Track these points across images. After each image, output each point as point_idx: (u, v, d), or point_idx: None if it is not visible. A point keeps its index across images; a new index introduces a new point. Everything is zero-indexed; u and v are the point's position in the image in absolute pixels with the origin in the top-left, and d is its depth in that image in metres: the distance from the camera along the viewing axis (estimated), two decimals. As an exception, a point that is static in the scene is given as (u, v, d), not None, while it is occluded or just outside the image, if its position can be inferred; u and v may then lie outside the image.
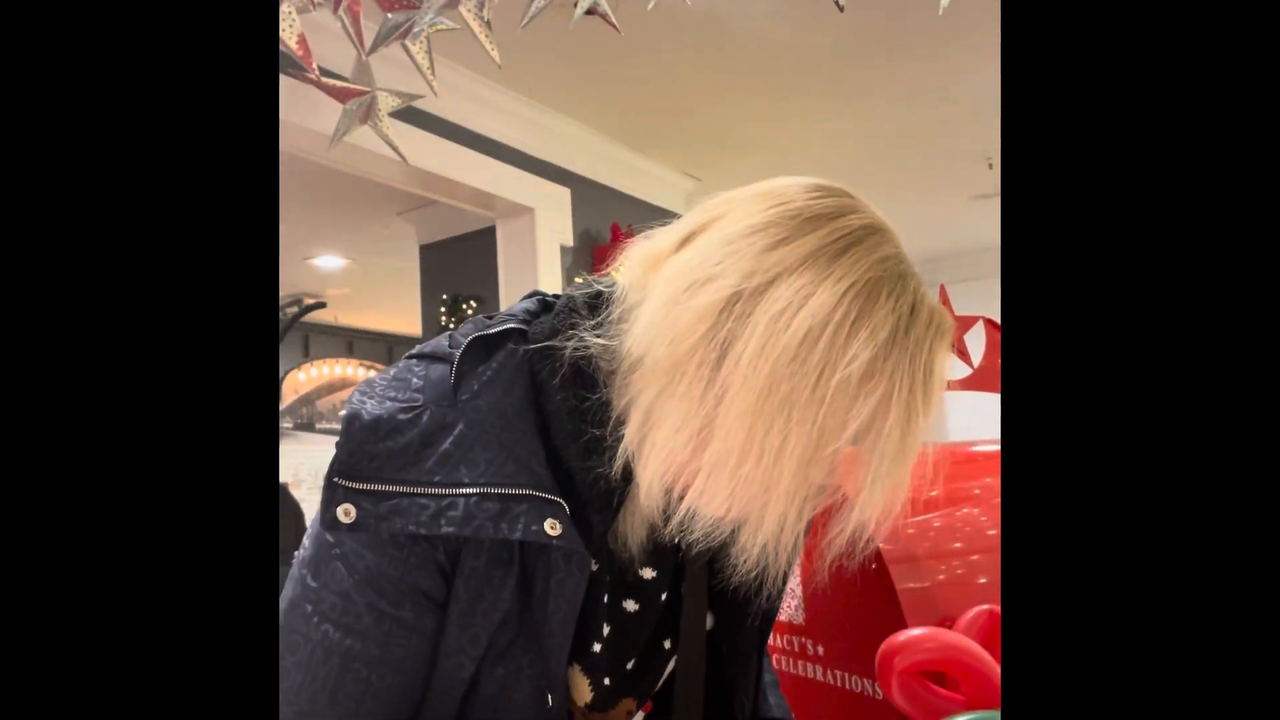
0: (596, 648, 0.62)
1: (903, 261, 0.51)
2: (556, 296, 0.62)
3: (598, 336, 0.55)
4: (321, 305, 5.18)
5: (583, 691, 0.63)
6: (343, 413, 0.54)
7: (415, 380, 0.56)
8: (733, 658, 0.69)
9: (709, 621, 0.68)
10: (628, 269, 0.56)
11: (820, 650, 1.28)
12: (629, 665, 0.64)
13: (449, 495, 0.52)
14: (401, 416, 0.53)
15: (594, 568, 0.58)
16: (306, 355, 5.84)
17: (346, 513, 0.51)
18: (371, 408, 0.53)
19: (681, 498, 0.52)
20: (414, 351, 0.59)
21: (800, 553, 0.69)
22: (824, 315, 0.47)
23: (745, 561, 0.52)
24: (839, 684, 1.25)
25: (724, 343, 0.48)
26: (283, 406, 5.53)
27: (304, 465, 5.54)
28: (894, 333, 0.48)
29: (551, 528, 0.52)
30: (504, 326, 0.59)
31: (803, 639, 1.30)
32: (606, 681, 0.63)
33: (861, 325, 0.48)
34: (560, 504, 0.54)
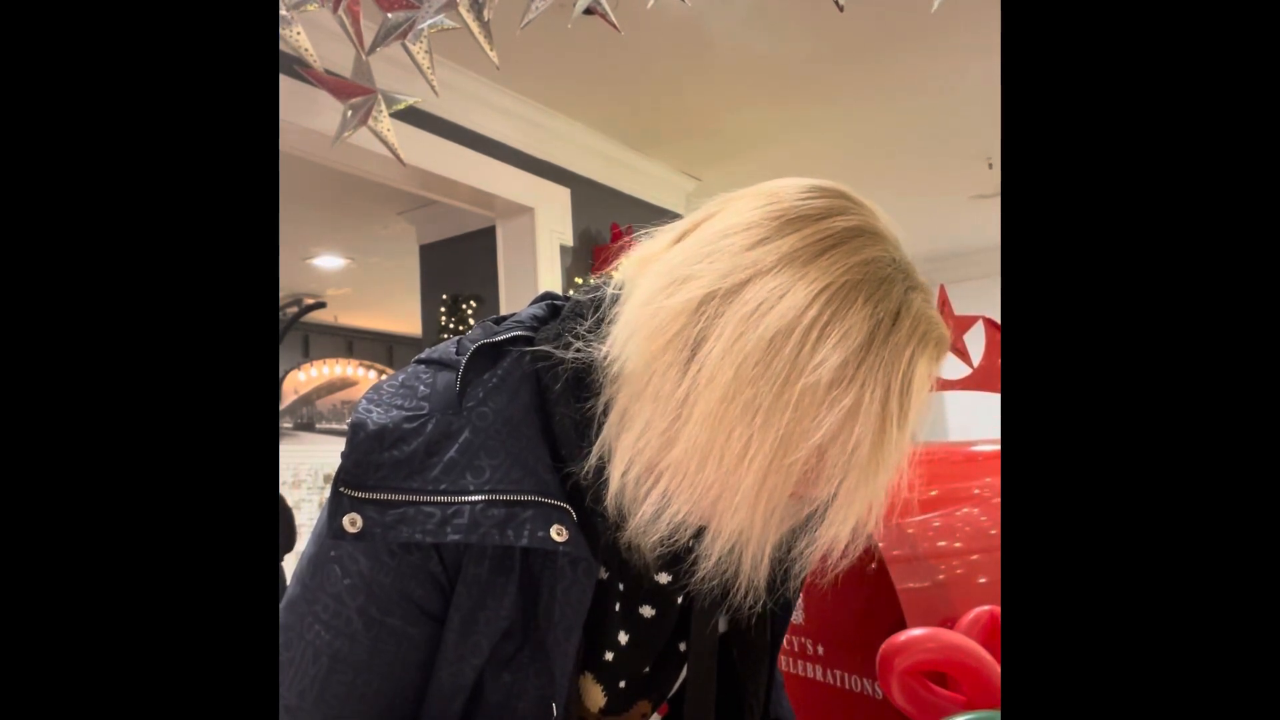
0: (609, 656, 0.61)
1: (890, 265, 0.49)
2: (566, 298, 0.62)
3: (595, 340, 0.54)
4: (321, 305, 5.18)
5: (596, 698, 0.62)
6: (349, 420, 0.54)
7: (422, 388, 0.56)
8: (744, 661, 0.69)
9: (722, 624, 0.68)
10: (625, 268, 0.56)
11: (820, 650, 1.28)
12: (646, 669, 0.64)
13: (455, 503, 0.51)
14: (407, 425, 0.53)
15: (603, 575, 0.58)
16: (306, 355, 5.84)
17: (353, 522, 0.50)
18: (377, 416, 0.53)
19: (647, 499, 0.50)
20: (423, 356, 0.59)
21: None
22: (793, 317, 0.45)
23: (704, 566, 0.50)
24: (839, 684, 1.25)
25: (695, 343, 0.47)
26: (283, 406, 5.53)
27: (304, 465, 5.54)
28: (869, 339, 0.46)
29: (558, 534, 0.52)
30: (510, 334, 0.58)
31: (803, 639, 1.30)
32: (622, 685, 0.63)
33: (833, 329, 0.45)
34: (567, 510, 0.53)
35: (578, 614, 0.55)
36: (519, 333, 0.58)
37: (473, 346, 0.57)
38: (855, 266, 0.47)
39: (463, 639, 0.55)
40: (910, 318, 0.48)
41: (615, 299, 0.55)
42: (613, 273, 0.59)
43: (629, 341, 0.50)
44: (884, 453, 0.47)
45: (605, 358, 0.53)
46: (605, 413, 0.52)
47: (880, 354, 0.46)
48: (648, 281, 0.51)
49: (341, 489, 0.51)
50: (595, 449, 0.52)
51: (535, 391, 0.56)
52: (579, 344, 0.55)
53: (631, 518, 0.52)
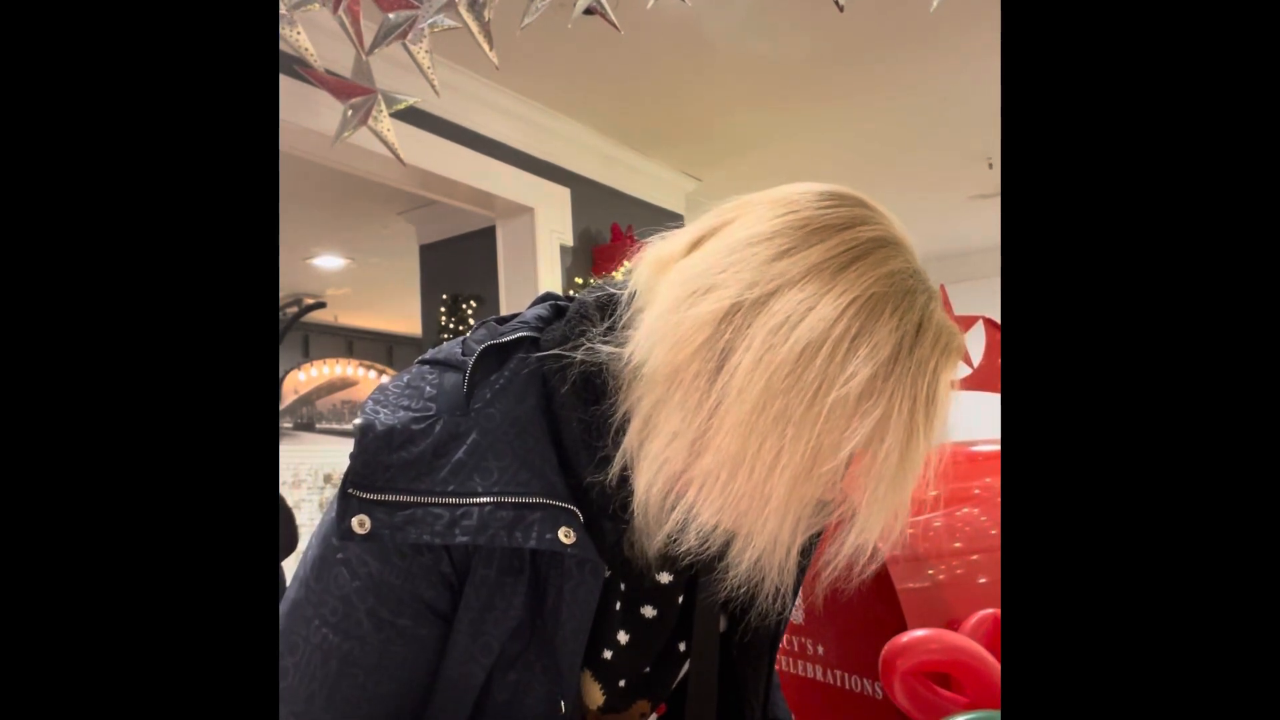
0: (608, 654, 0.61)
1: (912, 276, 0.50)
2: (570, 299, 0.62)
3: (607, 343, 0.54)
4: (321, 305, 5.18)
5: (594, 695, 0.63)
6: (357, 422, 0.54)
7: (428, 389, 0.56)
8: (744, 660, 0.69)
9: (722, 624, 0.68)
10: (639, 271, 0.56)
11: (820, 650, 1.28)
12: (645, 669, 0.64)
13: (463, 505, 0.52)
14: (415, 426, 0.53)
15: (607, 574, 0.58)
16: (306, 355, 5.84)
17: (361, 524, 0.50)
18: (385, 418, 0.53)
19: (675, 508, 0.51)
20: (427, 357, 0.59)
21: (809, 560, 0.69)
22: (823, 330, 0.46)
23: (734, 574, 0.51)
24: (839, 684, 1.25)
25: (722, 353, 0.48)
26: (283, 406, 5.53)
27: (304, 465, 5.53)
28: (896, 351, 0.47)
29: (565, 535, 0.52)
30: (516, 335, 0.58)
31: (803, 639, 1.30)
32: (621, 684, 0.63)
33: (862, 342, 0.46)
34: (574, 511, 0.53)
35: (585, 614, 0.56)
36: (525, 334, 0.59)
37: (479, 348, 0.57)
38: (881, 279, 0.48)
39: (472, 639, 0.55)
40: (933, 329, 0.49)
41: (629, 302, 0.55)
42: (618, 273, 0.59)
43: (652, 350, 0.50)
44: (911, 461, 0.48)
45: (622, 363, 0.53)
46: (624, 420, 0.53)
47: (907, 366, 0.47)
48: (667, 289, 0.51)
49: (350, 490, 0.51)
50: (618, 457, 0.53)
51: (542, 393, 0.56)
52: (588, 345, 0.55)
53: (659, 527, 0.52)
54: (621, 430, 0.53)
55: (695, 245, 0.53)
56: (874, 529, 0.50)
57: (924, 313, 0.49)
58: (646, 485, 0.51)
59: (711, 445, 0.48)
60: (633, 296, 0.55)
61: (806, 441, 0.46)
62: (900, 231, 0.52)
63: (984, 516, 1.27)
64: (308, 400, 5.69)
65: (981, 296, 2.95)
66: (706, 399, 0.48)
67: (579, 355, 0.55)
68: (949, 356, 0.50)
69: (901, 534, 0.52)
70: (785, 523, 0.48)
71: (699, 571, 0.62)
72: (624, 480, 0.53)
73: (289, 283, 4.94)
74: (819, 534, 0.64)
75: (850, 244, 0.49)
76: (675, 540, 0.52)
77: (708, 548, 0.51)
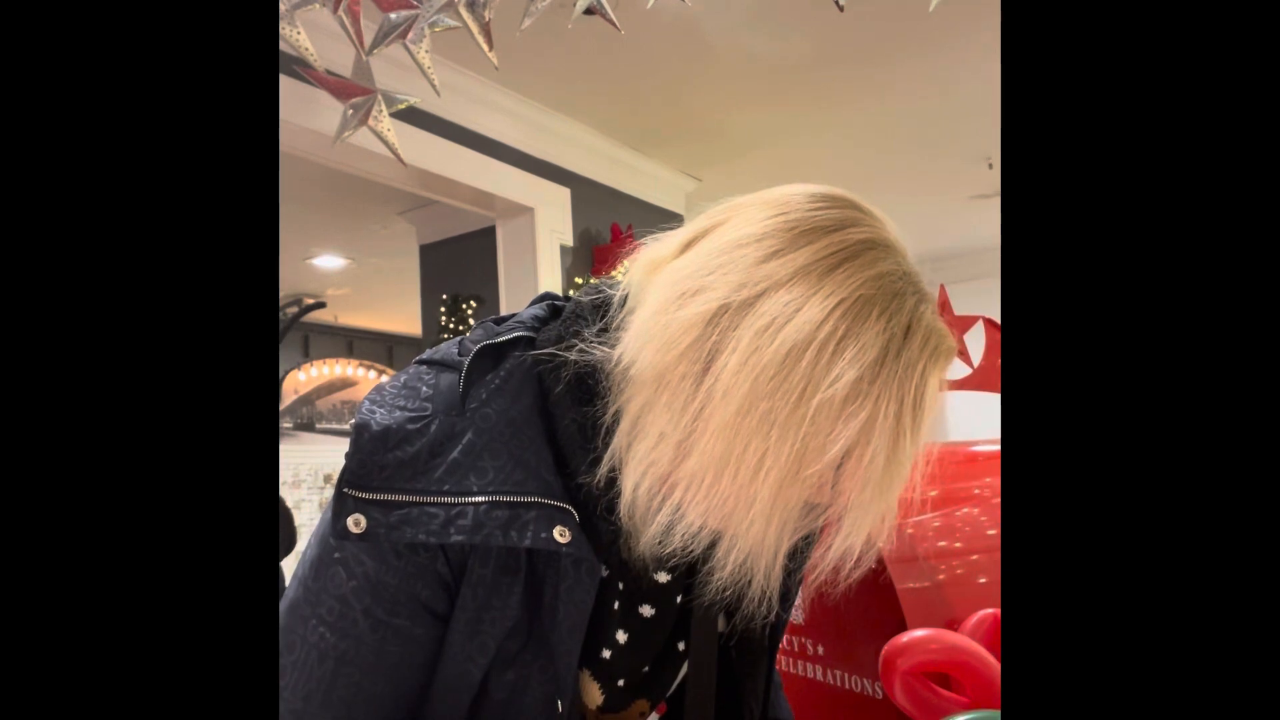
0: (606, 654, 0.61)
1: (902, 279, 0.49)
2: (568, 299, 0.62)
3: (600, 344, 0.54)
4: (321, 305, 5.18)
5: (593, 695, 0.63)
6: (353, 422, 0.54)
7: (425, 389, 0.56)
8: (743, 661, 0.69)
9: (721, 624, 0.68)
10: (632, 273, 0.56)
11: (820, 650, 1.28)
12: (645, 669, 0.64)
13: (458, 504, 0.52)
14: (410, 426, 0.53)
15: (604, 574, 0.58)
16: (306, 355, 5.84)
17: (357, 523, 0.50)
18: (381, 417, 0.53)
19: (661, 509, 0.51)
20: (424, 357, 0.59)
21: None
22: (809, 332, 0.46)
23: (720, 576, 0.51)
24: (839, 684, 1.25)
25: (709, 355, 0.48)
26: (283, 406, 5.53)
27: (304, 465, 5.53)
28: (883, 353, 0.47)
29: (560, 535, 0.52)
30: (512, 335, 0.58)
31: (803, 639, 1.30)
32: (620, 683, 0.63)
33: (848, 344, 0.46)
34: (569, 511, 0.53)
35: (581, 613, 0.56)
36: (521, 334, 0.59)
37: (475, 348, 0.57)
38: (869, 281, 0.48)
39: (469, 639, 0.55)
40: (921, 331, 0.49)
41: (623, 303, 0.55)
42: (615, 274, 0.60)
43: (641, 351, 0.50)
44: (897, 465, 0.48)
45: (613, 364, 0.53)
46: (615, 420, 0.53)
47: (894, 368, 0.47)
48: (658, 290, 0.51)
49: (346, 490, 0.51)
50: (606, 458, 0.53)
51: (537, 393, 0.56)
52: (582, 345, 0.55)
53: (645, 528, 0.52)
54: (612, 431, 0.53)
55: (687, 247, 0.53)
56: (861, 532, 0.50)
57: (913, 315, 0.49)
58: (633, 486, 0.51)
59: (697, 447, 0.48)
60: (625, 298, 0.55)
61: (791, 444, 0.46)
62: (892, 234, 0.52)
63: (984, 516, 1.27)
64: (308, 400, 5.69)
65: (981, 296, 2.95)
66: (693, 401, 0.48)
67: (573, 355, 0.55)
68: (938, 359, 0.49)
69: (890, 536, 0.51)
70: (771, 525, 0.48)
71: (695, 571, 0.63)
72: (612, 481, 0.53)
73: (289, 283, 4.94)
74: (814, 535, 0.64)
75: (839, 246, 0.49)
76: (662, 541, 0.52)
77: (693, 549, 0.51)
